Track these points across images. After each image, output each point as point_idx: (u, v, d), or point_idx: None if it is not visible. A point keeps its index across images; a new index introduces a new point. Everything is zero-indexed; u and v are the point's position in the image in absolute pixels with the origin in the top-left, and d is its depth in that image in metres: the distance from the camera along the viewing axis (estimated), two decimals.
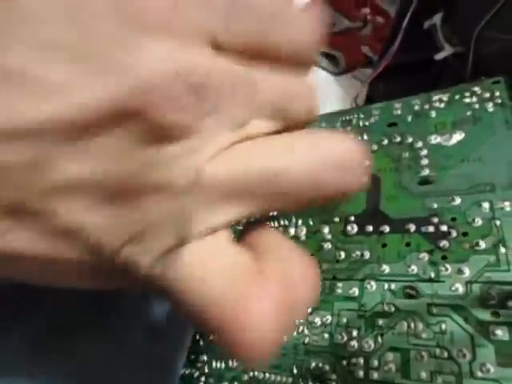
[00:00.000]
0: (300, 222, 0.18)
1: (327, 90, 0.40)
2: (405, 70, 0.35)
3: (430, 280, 0.13)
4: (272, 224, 0.18)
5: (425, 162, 0.16)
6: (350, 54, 0.41)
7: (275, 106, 0.08)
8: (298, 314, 0.08)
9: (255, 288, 0.07)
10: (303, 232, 0.17)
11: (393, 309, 0.13)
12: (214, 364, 0.15)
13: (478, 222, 0.14)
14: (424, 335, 0.12)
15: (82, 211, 0.06)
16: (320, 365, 0.13)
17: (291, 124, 0.08)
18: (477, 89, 0.18)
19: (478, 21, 0.27)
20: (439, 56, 0.33)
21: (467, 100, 0.17)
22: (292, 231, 0.17)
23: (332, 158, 0.08)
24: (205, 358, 0.15)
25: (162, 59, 0.06)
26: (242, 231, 0.09)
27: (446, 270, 0.13)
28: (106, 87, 0.06)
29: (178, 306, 0.07)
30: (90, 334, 0.13)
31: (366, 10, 0.40)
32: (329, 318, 0.14)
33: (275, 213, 0.18)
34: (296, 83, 0.08)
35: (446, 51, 0.32)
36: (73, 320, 0.13)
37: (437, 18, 0.32)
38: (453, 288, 0.13)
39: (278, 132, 0.08)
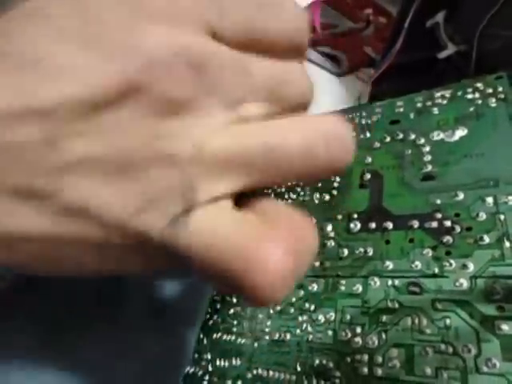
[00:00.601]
0: None
1: (330, 91, 0.40)
2: (408, 69, 0.35)
3: (434, 275, 0.13)
4: None
5: (427, 158, 0.16)
6: (352, 54, 0.41)
7: (269, 89, 0.08)
8: (306, 261, 0.08)
9: (266, 236, 0.07)
10: None
11: (397, 305, 0.13)
12: (217, 362, 0.15)
13: (482, 216, 0.14)
14: (428, 331, 0.12)
15: (90, 187, 0.07)
16: (324, 362, 0.13)
17: (286, 108, 0.09)
18: (479, 85, 0.17)
19: (481, 19, 0.27)
20: (442, 55, 0.33)
21: (470, 96, 0.17)
22: None
23: (322, 132, 0.08)
24: (209, 356, 0.15)
25: (163, 40, 0.07)
26: (243, 200, 0.09)
27: (450, 265, 0.13)
28: (112, 66, 0.06)
29: (195, 268, 0.08)
30: (94, 329, 0.13)
31: (369, 11, 0.40)
32: (332, 315, 0.14)
33: None
34: (289, 68, 0.09)
35: (450, 50, 0.32)
36: (77, 316, 0.13)
37: (439, 17, 0.32)
38: (457, 283, 0.13)
39: (273, 116, 0.09)
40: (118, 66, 0.07)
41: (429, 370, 0.12)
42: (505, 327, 0.11)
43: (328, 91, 0.39)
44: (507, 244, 0.13)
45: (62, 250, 0.07)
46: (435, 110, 0.18)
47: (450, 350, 0.12)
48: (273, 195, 0.19)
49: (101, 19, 0.07)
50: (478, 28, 0.28)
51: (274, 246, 0.07)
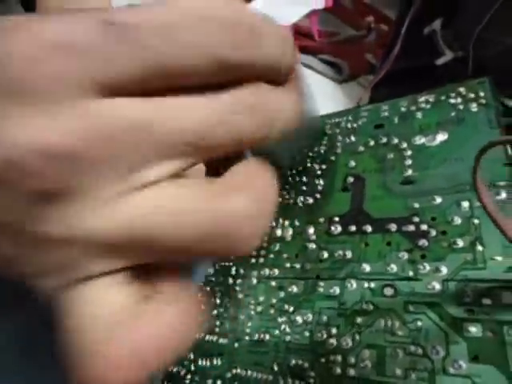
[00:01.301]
0: (287, 223, 0.18)
1: (332, 98, 0.40)
2: (407, 75, 0.35)
3: (408, 278, 0.13)
4: None
5: (408, 162, 0.17)
6: (354, 61, 0.41)
7: (179, 141, 0.07)
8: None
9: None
10: (289, 233, 0.17)
11: (371, 307, 0.13)
12: (199, 362, 0.15)
13: (457, 220, 0.14)
14: (400, 333, 0.12)
15: None
16: (300, 362, 0.13)
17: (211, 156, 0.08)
18: (462, 89, 0.18)
19: (477, 25, 0.28)
20: (440, 61, 0.33)
21: (452, 101, 0.18)
22: (279, 232, 0.18)
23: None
24: (191, 356, 0.16)
25: (28, 135, 0.06)
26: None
27: (424, 268, 0.13)
28: None
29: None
30: None
31: (370, 19, 0.40)
32: (310, 316, 0.14)
33: None
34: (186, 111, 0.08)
35: (447, 56, 0.32)
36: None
37: (436, 24, 0.32)
38: (429, 286, 0.13)
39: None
40: None
41: (399, 371, 0.12)
42: (472, 329, 0.11)
43: (329, 98, 0.39)
44: (479, 248, 0.13)
45: None
46: (419, 115, 0.18)
47: (420, 351, 0.12)
48: None
49: None
50: (474, 34, 0.28)
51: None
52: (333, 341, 0.13)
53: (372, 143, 0.18)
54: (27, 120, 0.06)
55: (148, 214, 0.07)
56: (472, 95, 0.17)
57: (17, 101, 0.06)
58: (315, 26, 0.38)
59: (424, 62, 0.34)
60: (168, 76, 0.07)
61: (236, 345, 0.15)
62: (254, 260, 0.17)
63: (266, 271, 0.17)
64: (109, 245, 0.07)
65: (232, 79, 0.08)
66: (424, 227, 0.14)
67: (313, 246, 0.16)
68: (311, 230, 0.17)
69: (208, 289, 0.17)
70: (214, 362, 0.15)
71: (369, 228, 0.15)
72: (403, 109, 0.19)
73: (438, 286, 0.13)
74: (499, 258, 0.12)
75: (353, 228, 0.16)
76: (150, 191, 0.07)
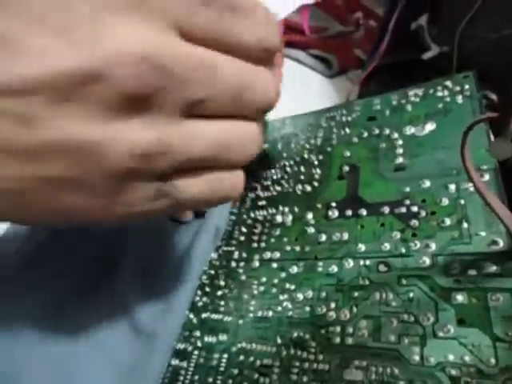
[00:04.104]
0: (286, 209, 0.19)
1: (321, 92, 0.41)
2: (395, 70, 0.36)
3: (401, 255, 0.15)
4: (260, 212, 0.19)
5: (400, 151, 0.18)
6: (342, 56, 0.42)
7: (232, 94, 0.09)
8: None
9: None
10: (289, 218, 0.18)
11: (367, 282, 0.15)
12: (206, 339, 0.16)
13: (445, 202, 0.15)
14: (394, 303, 0.14)
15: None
16: (301, 334, 0.14)
17: (245, 114, 0.10)
18: (448, 83, 0.19)
19: (460, 20, 0.29)
20: (427, 56, 0.34)
21: (439, 93, 0.19)
22: (279, 218, 0.19)
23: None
24: (198, 333, 0.17)
25: (131, 37, 0.08)
26: None
27: (415, 245, 0.14)
28: (80, 55, 0.07)
29: None
30: (92, 296, 0.15)
31: (359, 15, 0.42)
32: (310, 293, 0.15)
33: (263, 202, 0.20)
34: (257, 74, 0.10)
35: (433, 51, 0.34)
36: (77, 286, 0.15)
37: (423, 20, 0.33)
38: (420, 261, 0.14)
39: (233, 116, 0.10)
40: (85, 54, 0.07)
41: (393, 337, 0.13)
42: (459, 297, 0.13)
43: (318, 92, 0.41)
44: (465, 225, 0.14)
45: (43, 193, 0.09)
46: (408, 107, 0.19)
47: (412, 319, 0.13)
48: (259, 187, 0.21)
49: (76, 9, 0.07)
50: (458, 30, 0.29)
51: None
52: (332, 314, 0.14)
53: (365, 134, 0.20)
54: (124, 26, 0.08)
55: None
56: (458, 88, 0.18)
57: (112, 11, 0.08)
58: (306, 21, 0.39)
59: (411, 56, 0.35)
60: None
61: (240, 322, 0.16)
62: (255, 245, 0.18)
63: (268, 254, 0.18)
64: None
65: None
66: (415, 209, 0.15)
67: (311, 229, 0.17)
68: (310, 216, 0.18)
69: (212, 272, 0.18)
70: (220, 338, 0.16)
71: (364, 212, 0.17)
72: (394, 102, 0.20)
73: (428, 261, 0.14)
74: (483, 234, 0.14)
75: (349, 212, 0.17)
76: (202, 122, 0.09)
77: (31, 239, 0.18)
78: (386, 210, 0.16)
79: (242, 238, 0.19)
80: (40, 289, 0.14)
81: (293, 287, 0.16)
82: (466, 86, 0.18)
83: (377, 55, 0.36)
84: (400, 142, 0.18)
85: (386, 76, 0.35)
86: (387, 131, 0.19)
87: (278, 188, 0.20)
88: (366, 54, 0.42)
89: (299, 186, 0.19)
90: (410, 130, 0.18)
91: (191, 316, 0.17)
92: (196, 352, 0.16)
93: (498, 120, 0.10)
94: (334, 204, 0.18)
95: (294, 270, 0.16)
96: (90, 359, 0.14)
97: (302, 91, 0.40)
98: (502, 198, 0.14)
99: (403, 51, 0.35)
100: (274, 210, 0.19)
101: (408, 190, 0.16)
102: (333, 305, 0.15)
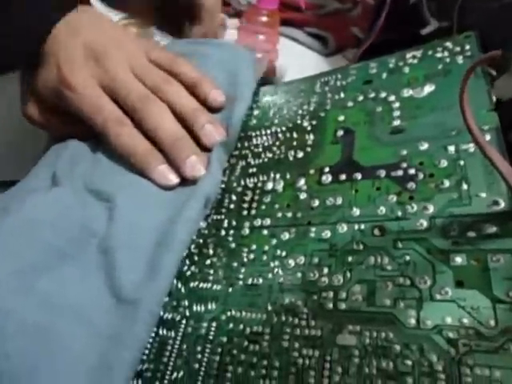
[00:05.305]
0: (278, 176, 0.18)
1: (317, 71, 0.40)
2: (393, 46, 0.35)
3: (397, 218, 0.14)
4: (251, 180, 0.19)
5: (397, 113, 0.17)
6: (339, 34, 0.41)
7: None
8: None
9: None
10: (280, 185, 0.18)
11: (361, 247, 0.14)
12: (194, 308, 0.16)
13: (444, 163, 0.14)
14: (389, 267, 0.13)
15: None
16: (292, 300, 0.14)
17: None
18: (448, 44, 0.18)
19: None
20: (425, 31, 0.33)
21: (439, 55, 0.18)
22: (270, 185, 0.18)
23: None
24: (186, 303, 0.16)
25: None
26: None
27: (412, 208, 0.14)
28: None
29: None
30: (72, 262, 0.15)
31: None
32: (302, 259, 0.15)
33: (254, 169, 0.19)
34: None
35: (432, 26, 0.33)
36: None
37: None
38: (417, 224, 0.13)
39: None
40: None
41: (388, 301, 0.12)
42: (458, 259, 0.12)
43: (315, 70, 0.39)
44: (465, 187, 0.13)
45: None
46: (406, 69, 0.18)
47: (408, 282, 0.12)
48: (250, 155, 0.20)
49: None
50: (457, 2, 0.28)
51: None
52: (325, 279, 0.14)
53: (361, 98, 0.19)
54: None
55: None
56: (458, 49, 0.18)
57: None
58: None
59: (409, 32, 0.34)
60: None
61: (230, 290, 0.15)
62: (245, 212, 0.18)
63: (258, 221, 0.17)
64: None
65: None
66: (412, 171, 0.15)
67: (304, 195, 0.17)
68: (302, 181, 0.17)
69: (201, 241, 0.18)
70: (209, 307, 0.15)
71: (359, 176, 0.16)
72: (391, 65, 0.19)
73: (425, 223, 0.13)
74: (483, 195, 0.13)
75: (343, 177, 0.16)
76: None
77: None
78: (382, 173, 0.15)
79: (232, 206, 0.18)
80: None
81: (284, 254, 0.15)
82: (467, 47, 0.17)
83: (374, 32, 0.34)
84: (397, 104, 0.17)
85: (384, 53, 0.34)
86: (383, 94, 0.18)
87: (270, 155, 0.19)
88: (364, 32, 0.41)
89: (291, 152, 0.19)
90: (407, 93, 0.17)
91: (179, 285, 0.17)
92: (184, 321, 0.15)
93: (501, 59, 0.09)
94: (327, 169, 0.17)
95: (286, 236, 0.16)
96: (68, 327, 0.13)
97: (299, 70, 0.39)
98: (504, 157, 0.13)
99: (401, 27, 0.34)
100: (265, 177, 0.18)
101: (405, 152, 0.15)
102: (325, 270, 0.14)
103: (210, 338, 0.15)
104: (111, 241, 0.16)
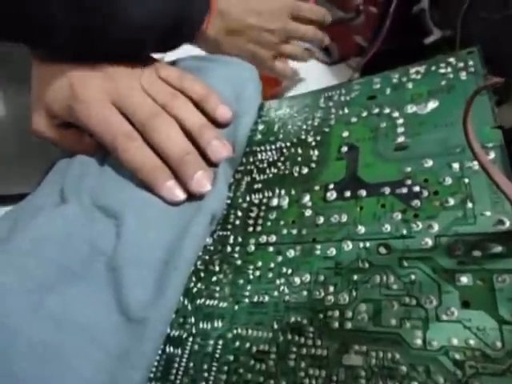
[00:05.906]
0: (283, 192, 0.18)
1: (321, 80, 0.40)
2: (396, 55, 0.35)
3: (402, 236, 0.14)
4: (256, 196, 0.19)
5: (401, 129, 0.17)
6: (342, 43, 0.41)
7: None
8: None
9: None
10: (286, 201, 0.18)
11: (367, 265, 0.14)
12: (200, 325, 0.16)
13: (448, 181, 0.14)
14: (395, 286, 0.13)
15: None
16: (298, 319, 0.14)
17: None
18: (452, 59, 0.18)
19: (463, 3, 0.28)
20: (429, 40, 0.33)
21: (442, 70, 0.18)
22: (275, 201, 0.18)
23: None
24: (193, 320, 0.16)
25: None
26: None
27: (417, 226, 0.14)
28: None
29: None
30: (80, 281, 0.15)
31: (359, 1, 0.41)
32: (308, 276, 0.15)
33: (259, 185, 0.19)
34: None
35: (435, 35, 0.33)
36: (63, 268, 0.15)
37: (424, 3, 0.32)
38: (422, 242, 0.13)
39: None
40: None
41: (394, 321, 0.12)
42: (464, 279, 0.12)
43: (318, 80, 0.40)
44: (470, 205, 0.13)
45: None
46: (410, 85, 0.18)
47: (414, 302, 0.12)
48: (256, 170, 0.20)
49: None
50: (461, 12, 0.28)
51: None
52: (330, 297, 0.14)
53: (365, 114, 0.19)
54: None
55: None
56: (461, 64, 0.18)
57: None
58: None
59: (413, 41, 0.34)
60: None
61: (236, 307, 0.16)
62: (251, 229, 0.18)
63: (264, 238, 0.17)
64: None
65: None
66: (417, 189, 0.15)
67: (309, 212, 0.17)
68: (307, 198, 0.17)
69: (207, 257, 0.18)
70: (215, 324, 0.15)
71: (363, 193, 0.16)
72: (395, 80, 0.19)
73: (430, 242, 0.13)
74: (488, 213, 0.13)
75: (348, 193, 0.16)
76: None
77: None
78: (387, 190, 0.15)
79: (238, 222, 0.18)
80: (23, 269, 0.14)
81: (290, 271, 0.15)
82: (470, 62, 0.17)
83: (378, 41, 0.35)
84: (401, 120, 0.17)
85: (387, 62, 0.34)
86: (387, 110, 0.18)
87: (274, 170, 0.19)
88: (367, 40, 0.41)
89: (296, 168, 0.19)
90: (411, 109, 0.17)
91: (185, 302, 0.17)
92: (190, 339, 0.16)
93: (504, 86, 0.09)
94: (332, 186, 0.17)
95: (291, 253, 0.16)
96: (77, 346, 0.13)
97: (303, 80, 0.40)
98: (508, 177, 0.13)
99: (404, 36, 0.34)
100: (270, 193, 0.19)
101: (409, 169, 0.15)
102: (331, 288, 0.14)
103: (217, 356, 0.15)
104: (119, 259, 0.16)
